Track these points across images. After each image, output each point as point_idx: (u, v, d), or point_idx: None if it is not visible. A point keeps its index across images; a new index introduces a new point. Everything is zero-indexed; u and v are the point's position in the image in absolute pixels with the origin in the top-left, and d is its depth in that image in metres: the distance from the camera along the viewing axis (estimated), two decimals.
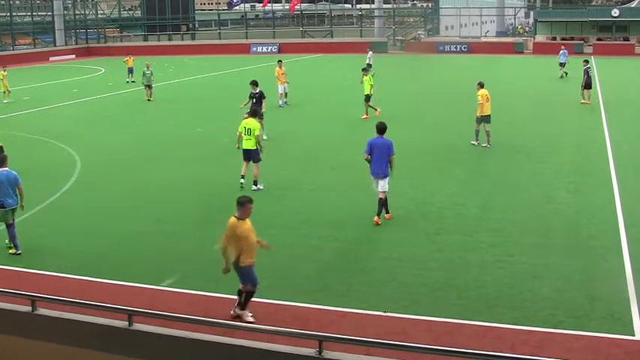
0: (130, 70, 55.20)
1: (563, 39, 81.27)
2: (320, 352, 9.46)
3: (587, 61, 38.89)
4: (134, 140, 31.03)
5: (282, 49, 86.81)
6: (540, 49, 78.28)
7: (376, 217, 18.48)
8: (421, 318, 12.72)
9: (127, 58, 55.89)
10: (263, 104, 28.30)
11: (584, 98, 38.31)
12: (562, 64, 50.96)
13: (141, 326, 10.46)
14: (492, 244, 16.73)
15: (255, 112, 23.08)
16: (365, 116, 34.18)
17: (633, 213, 18.75)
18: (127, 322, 10.42)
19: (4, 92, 44.68)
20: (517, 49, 79.50)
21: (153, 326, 10.46)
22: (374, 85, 35.02)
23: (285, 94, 39.26)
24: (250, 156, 21.98)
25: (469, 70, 53.03)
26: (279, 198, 21.21)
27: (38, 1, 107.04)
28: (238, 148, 22.49)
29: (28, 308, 11.09)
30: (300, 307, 13.41)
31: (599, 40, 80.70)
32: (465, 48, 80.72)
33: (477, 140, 27.71)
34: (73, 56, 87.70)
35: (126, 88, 49.78)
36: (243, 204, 12.90)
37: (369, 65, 55.27)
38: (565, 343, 11.85)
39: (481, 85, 27.78)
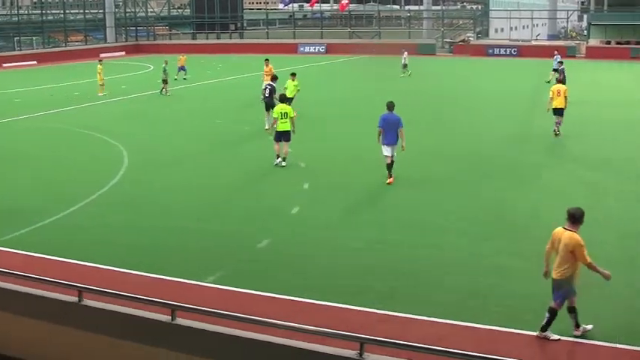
0: (182, 68, 56.29)
1: (618, 43, 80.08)
2: (361, 355, 9.47)
3: (561, 62, 41.47)
4: (182, 137, 31.26)
5: (329, 49, 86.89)
6: (594, 53, 77.23)
7: (390, 179, 22.36)
8: (464, 324, 12.61)
9: (180, 56, 57.10)
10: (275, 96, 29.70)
11: None
12: (555, 70, 49.98)
13: (183, 321, 10.56)
14: (540, 252, 16.51)
15: (285, 98, 26.06)
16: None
17: None
18: (170, 317, 10.53)
19: (101, 85, 46.59)
20: (569, 53, 78.16)
21: (195, 321, 10.54)
22: (300, 90, 35.18)
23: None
24: (284, 137, 24.68)
25: (518, 73, 52.29)
26: (320, 198, 21.27)
27: None
28: (273, 127, 24.95)
29: (75, 299, 11.25)
30: (342, 309, 13.36)
31: None
32: (514, 51, 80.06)
33: (555, 130, 30.22)
34: (123, 53, 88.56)
35: (176, 85, 50.02)
36: (583, 215, 11.99)
37: (405, 65, 55.84)
38: (612, 356, 11.70)
39: (558, 81, 31.26)
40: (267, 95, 30.86)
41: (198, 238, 17.68)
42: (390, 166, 22.37)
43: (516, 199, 21.04)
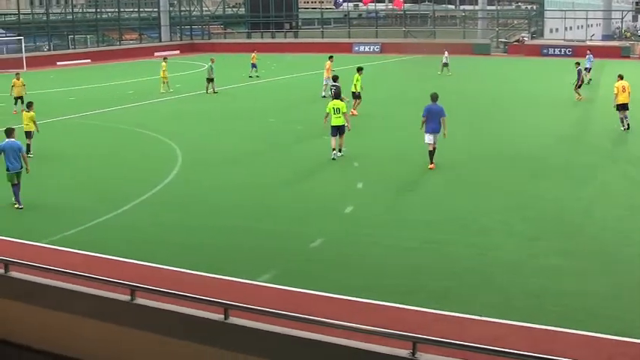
0: (254, 66, 57.59)
1: None
2: (414, 354, 9.38)
3: (578, 63, 41.85)
4: (235, 136, 31.41)
5: (384, 48, 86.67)
6: None
7: (431, 165, 24.10)
8: (519, 324, 12.48)
9: (253, 54, 58.45)
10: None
11: (579, 95, 40.66)
12: (588, 70, 49.66)
13: (236, 320, 10.53)
14: (593, 252, 16.33)
15: (339, 94, 27.25)
16: (353, 112, 34.57)
17: None
18: (223, 316, 10.51)
19: (164, 83, 47.90)
20: (623, 53, 77.37)
21: (248, 320, 10.51)
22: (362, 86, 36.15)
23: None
24: (339, 130, 25.82)
25: (572, 74, 51.28)
26: (374, 198, 21.19)
27: None
28: (325, 123, 26.28)
29: (128, 297, 11.29)
30: (398, 308, 13.27)
31: None
32: (569, 52, 78.97)
33: (622, 126, 31.14)
34: (178, 52, 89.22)
35: (230, 85, 50.32)
36: None
37: (445, 64, 58.08)
38: None
39: (620, 77, 31.71)
40: (334, 97, 30.34)
41: (252, 237, 17.69)
42: (432, 153, 24.18)
43: (569, 199, 20.84)
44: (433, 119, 24.12)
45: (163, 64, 48.36)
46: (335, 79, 33.96)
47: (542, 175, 23.49)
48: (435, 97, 24.55)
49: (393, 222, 18.79)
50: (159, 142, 29.69)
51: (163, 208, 20.39)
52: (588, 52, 53.45)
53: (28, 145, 25.93)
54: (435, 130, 24.08)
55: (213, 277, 14.88)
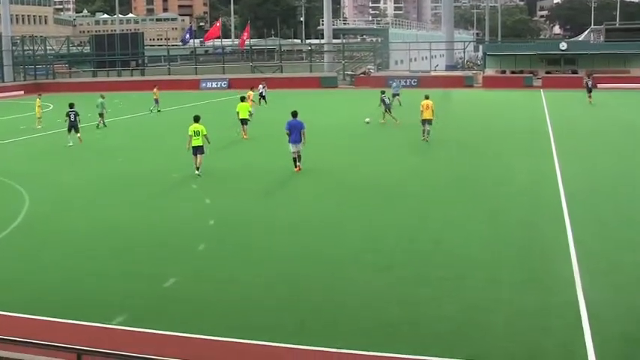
0: (156, 101, 58.69)
1: (512, 72, 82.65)
2: None
3: (383, 92, 47.43)
4: (84, 177, 30.53)
5: (231, 84, 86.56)
6: (490, 82, 79.34)
7: (296, 168, 29.04)
8: (376, 354, 12.55)
9: (154, 90, 59.37)
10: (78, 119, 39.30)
11: (383, 119, 45.87)
12: (395, 95, 55.59)
13: None
14: (444, 278, 16.64)
15: (198, 119, 29.50)
16: (244, 136, 40.39)
17: (585, 245, 18.80)
18: None
19: (39, 118, 48.98)
20: (467, 82, 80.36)
21: None
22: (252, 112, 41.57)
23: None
24: (198, 151, 28.97)
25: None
26: (226, 234, 21.07)
27: None
28: (188, 149, 29.10)
29: None
30: (253, 345, 13.16)
31: (547, 73, 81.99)
32: (414, 82, 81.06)
33: (423, 137, 37.25)
34: (22, 92, 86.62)
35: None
36: None
37: (263, 96, 62.38)
38: None
39: (426, 97, 37.66)
40: (72, 120, 38.89)
41: (103, 280, 17.19)
42: (295, 160, 29.13)
43: (414, 226, 21.37)
44: (295, 132, 28.76)
45: (38, 100, 49.40)
46: (71, 105, 39.24)
47: (394, 204, 24.06)
48: (295, 114, 29.39)
49: (247, 258, 18.58)
50: (2, 184, 28.67)
51: (11, 251, 19.68)
52: (396, 79, 58.77)
53: None
54: (296, 140, 28.89)
55: (63, 322, 14.39)
